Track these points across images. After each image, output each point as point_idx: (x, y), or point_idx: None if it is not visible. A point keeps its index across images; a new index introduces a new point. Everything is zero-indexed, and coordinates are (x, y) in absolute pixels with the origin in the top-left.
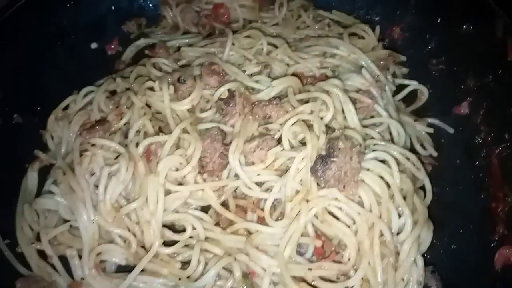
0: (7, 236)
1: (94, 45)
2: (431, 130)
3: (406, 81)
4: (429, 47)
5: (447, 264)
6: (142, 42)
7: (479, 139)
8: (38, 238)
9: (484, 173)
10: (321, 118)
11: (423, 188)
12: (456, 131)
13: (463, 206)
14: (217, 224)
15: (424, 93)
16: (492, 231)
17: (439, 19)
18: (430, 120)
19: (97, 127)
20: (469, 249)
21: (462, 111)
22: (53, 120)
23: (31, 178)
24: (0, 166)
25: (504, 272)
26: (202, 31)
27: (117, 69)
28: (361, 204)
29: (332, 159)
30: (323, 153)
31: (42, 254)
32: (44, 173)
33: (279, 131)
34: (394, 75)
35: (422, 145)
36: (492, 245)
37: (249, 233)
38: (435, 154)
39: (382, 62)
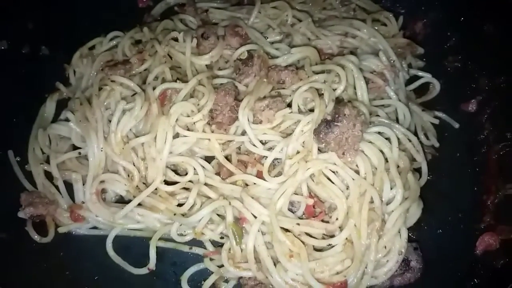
0: (19, 154)
1: None
2: (436, 121)
3: (420, 73)
4: (448, 44)
5: (431, 246)
6: (172, 0)
7: (481, 136)
8: (47, 162)
9: (481, 168)
10: (334, 90)
11: (420, 171)
12: (461, 126)
13: (455, 195)
14: (217, 174)
15: (436, 86)
16: (479, 220)
17: (462, 18)
18: (438, 113)
19: (119, 65)
20: (454, 234)
21: (469, 108)
22: (78, 56)
23: (49, 106)
24: (22, 92)
25: (484, 257)
26: None
27: (145, 22)
28: (357, 172)
29: (336, 123)
30: (328, 117)
31: (48, 176)
32: (62, 106)
33: (290, 96)
34: (409, 66)
35: (426, 135)
36: (477, 233)
37: (247, 186)
38: (437, 144)
39: (400, 50)
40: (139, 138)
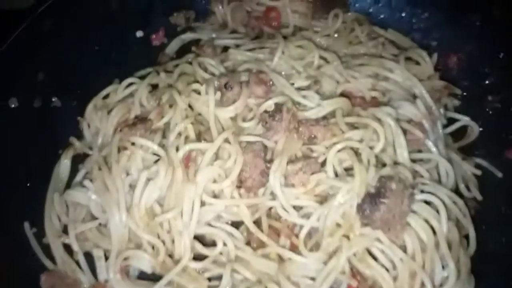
0: (35, 225)
1: (139, 34)
2: (479, 172)
3: (458, 116)
4: (487, 82)
5: None
6: (188, 36)
7: None
8: (65, 230)
9: None
10: (371, 148)
11: (466, 237)
12: (505, 176)
13: (504, 258)
14: (247, 243)
15: (474, 130)
16: None
17: (502, 54)
18: (478, 160)
19: (138, 125)
20: None
21: None
22: (91, 108)
23: (64, 166)
24: (34, 150)
25: None
26: (250, 32)
27: (160, 61)
28: (403, 248)
29: (382, 199)
30: (372, 190)
31: (67, 248)
32: (77, 161)
33: (324, 154)
34: (445, 107)
35: (467, 186)
36: None
37: (281, 258)
38: (480, 198)
39: (436, 93)
40: (166, 214)
